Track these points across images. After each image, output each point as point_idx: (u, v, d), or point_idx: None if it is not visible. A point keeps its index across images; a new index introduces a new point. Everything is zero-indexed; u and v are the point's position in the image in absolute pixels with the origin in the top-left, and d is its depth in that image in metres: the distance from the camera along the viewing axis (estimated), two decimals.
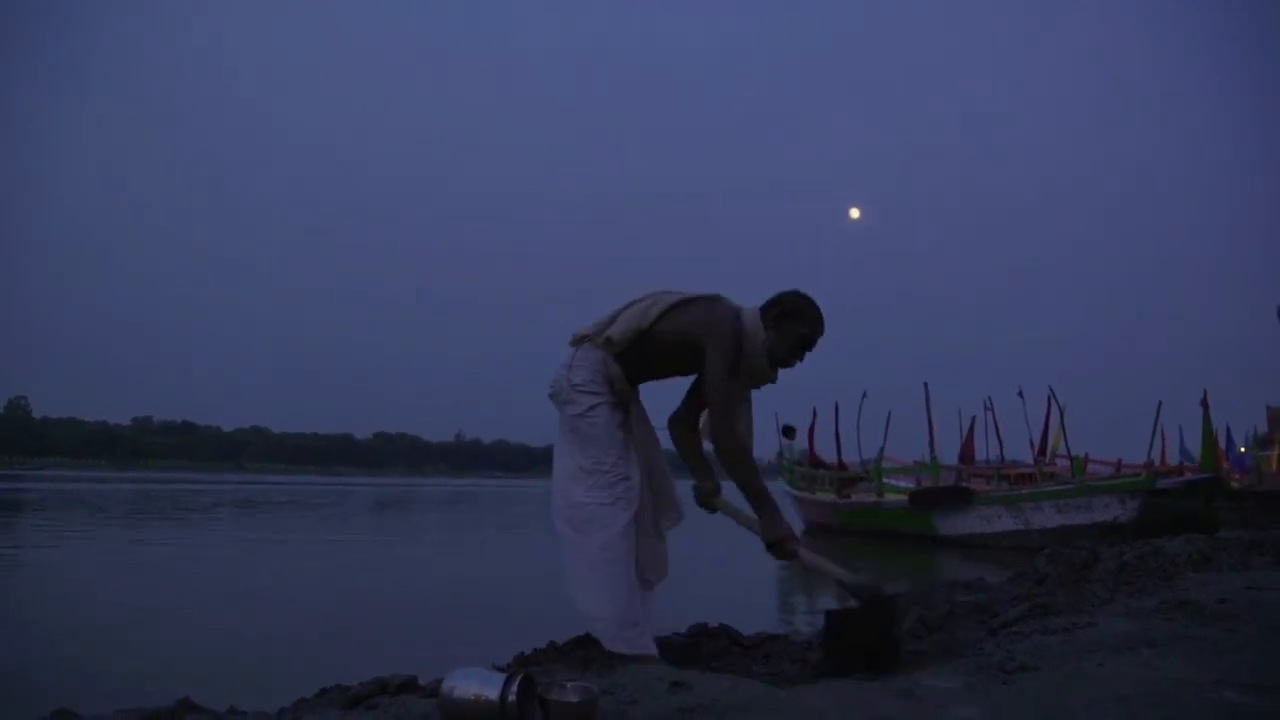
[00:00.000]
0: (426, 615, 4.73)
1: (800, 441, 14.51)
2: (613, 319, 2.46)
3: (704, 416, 2.53)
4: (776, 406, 13.99)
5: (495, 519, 16.07)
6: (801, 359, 2.46)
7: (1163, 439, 13.41)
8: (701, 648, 2.56)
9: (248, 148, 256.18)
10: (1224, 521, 9.88)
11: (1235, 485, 15.37)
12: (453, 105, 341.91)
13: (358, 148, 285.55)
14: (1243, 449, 19.78)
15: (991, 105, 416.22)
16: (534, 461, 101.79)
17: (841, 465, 13.96)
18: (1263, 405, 24.23)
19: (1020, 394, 12.85)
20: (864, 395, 14.12)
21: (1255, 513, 12.56)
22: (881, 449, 12.93)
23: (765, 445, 15.91)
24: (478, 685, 1.52)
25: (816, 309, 2.43)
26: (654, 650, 2.28)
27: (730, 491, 2.50)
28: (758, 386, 2.49)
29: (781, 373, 2.46)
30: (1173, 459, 15.67)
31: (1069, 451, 11.61)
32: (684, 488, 2.59)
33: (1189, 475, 10.92)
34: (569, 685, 1.62)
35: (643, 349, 2.44)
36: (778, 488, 14.23)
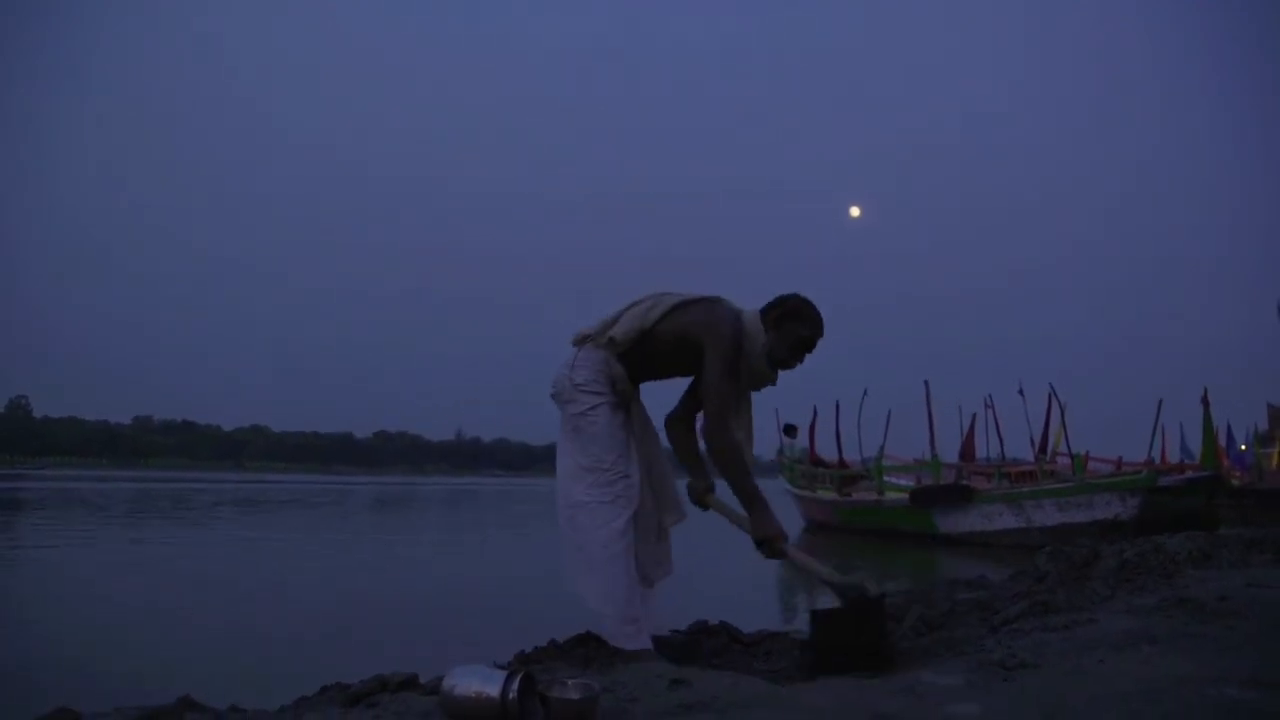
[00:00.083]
0: (427, 614, 4.72)
1: (801, 440, 14.51)
2: (615, 319, 2.49)
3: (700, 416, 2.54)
4: (777, 405, 14.03)
5: (495, 518, 16.05)
6: (801, 361, 2.48)
7: (1163, 437, 13.43)
8: (702, 645, 2.57)
9: (248, 148, 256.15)
10: (1224, 519, 9.90)
11: (1236, 483, 15.39)
12: (453, 105, 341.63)
13: (358, 148, 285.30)
14: (1243, 446, 19.82)
15: (991, 105, 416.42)
16: (534, 460, 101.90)
17: (842, 463, 13.95)
18: (1263, 403, 24.22)
19: (1021, 392, 12.83)
20: (864, 394, 14.11)
21: (1256, 510, 12.56)
22: (882, 447, 12.93)
23: (766, 444, 15.91)
24: (479, 683, 1.52)
25: (816, 311, 2.45)
26: (650, 648, 2.30)
27: (726, 490, 2.50)
28: (758, 388, 2.51)
29: (782, 372, 2.48)
30: (1173, 457, 15.72)
31: (1070, 449, 11.59)
32: (684, 487, 2.60)
33: (1190, 473, 10.88)
34: (570, 683, 1.63)
35: (644, 349, 2.46)
36: (778, 486, 14.28)
